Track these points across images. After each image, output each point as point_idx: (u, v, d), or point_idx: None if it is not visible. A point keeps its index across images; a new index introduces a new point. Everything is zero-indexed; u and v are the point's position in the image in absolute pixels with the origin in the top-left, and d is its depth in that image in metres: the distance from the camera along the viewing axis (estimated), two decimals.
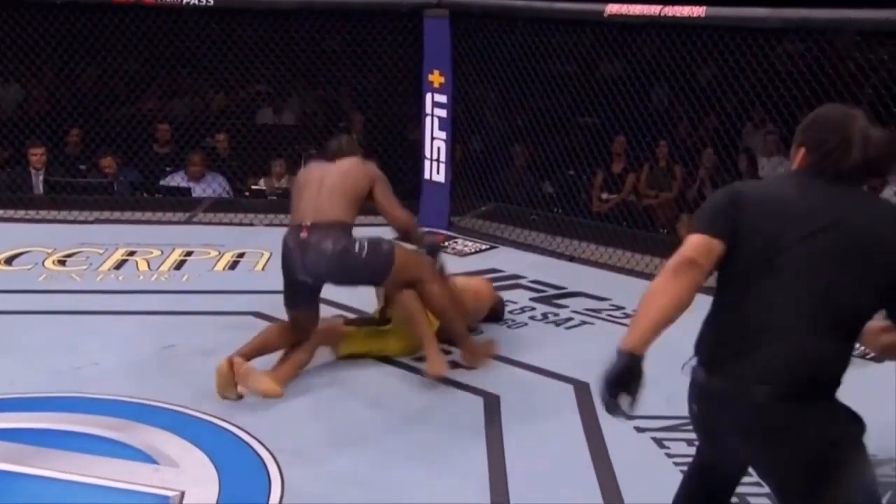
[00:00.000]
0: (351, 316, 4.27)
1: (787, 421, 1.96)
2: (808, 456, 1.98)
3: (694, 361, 2.08)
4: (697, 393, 2.05)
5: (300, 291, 3.75)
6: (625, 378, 1.94)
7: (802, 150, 2.06)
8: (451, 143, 6.17)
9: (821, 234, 1.94)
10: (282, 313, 4.18)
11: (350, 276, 3.71)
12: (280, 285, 4.44)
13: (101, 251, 5.53)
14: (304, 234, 3.64)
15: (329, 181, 3.74)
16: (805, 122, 2.10)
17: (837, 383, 2.00)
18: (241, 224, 6.37)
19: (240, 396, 3.55)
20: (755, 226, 1.98)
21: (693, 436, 3.25)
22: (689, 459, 3.07)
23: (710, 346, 2.04)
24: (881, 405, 3.60)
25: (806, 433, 1.97)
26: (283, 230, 6.36)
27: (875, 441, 3.24)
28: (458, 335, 3.90)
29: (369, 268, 3.67)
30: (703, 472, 2.21)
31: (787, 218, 1.98)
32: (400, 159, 6.66)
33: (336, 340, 3.97)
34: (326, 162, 3.88)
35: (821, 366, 1.96)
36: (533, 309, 4.70)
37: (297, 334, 3.81)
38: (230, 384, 3.54)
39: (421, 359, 4.00)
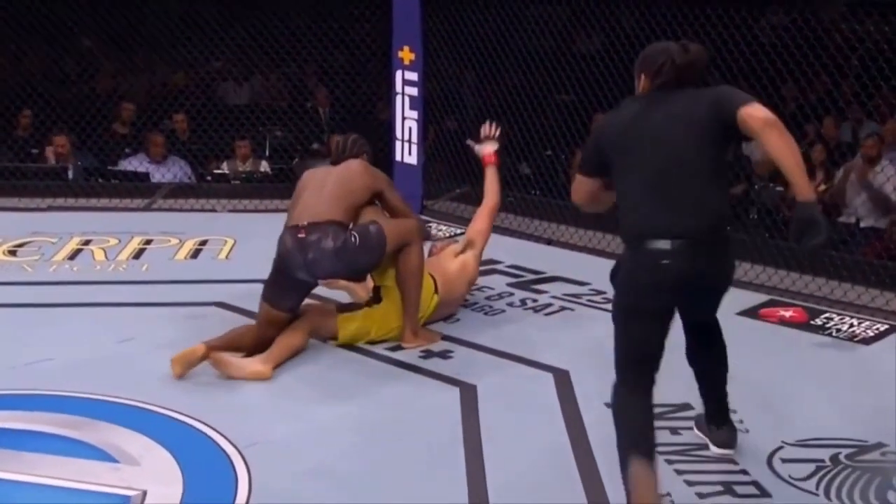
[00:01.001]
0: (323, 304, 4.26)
1: (726, 245, 2.79)
2: (731, 270, 2.87)
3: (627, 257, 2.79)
4: (653, 258, 2.69)
5: (293, 290, 3.87)
6: None
7: (643, 76, 2.87)
8: (424, 123, 6.16)
9: (660, 128, 2.73)
10: (247, 304, 4.17)
11: (353, 266, 3.87)
12: (246, 274, 4.44)
13: (54, 240, 5.48)
14: (301, 235, 3.79)
15: (329, 186, 3.93)
16: (639, 57, 2.91)
17: None
18: (202, 210, 6.33)
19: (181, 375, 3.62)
20: (616, 144, 2.78)
21: (677, 424, 3.31)
22: (674, 448, 3.15)
23: (642, 228, 2.72)
24: (869, 389, 3.66)
25: (732, 255, 2.84)
26: (248, 216, 6.34)
27: (863, 426, 3.31)
28: (410, 308, 3.99)
29: (366, 252, 3.84)
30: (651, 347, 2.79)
31: (635, 129, 2.76)
32: (369, 140, 6.62)
33: (330, 327, 4.00)
34: (331, 165, 4.10)
35: (723, 208, 2.75)
36: (511, 295, 4.71)
37: (266, 333, 3.85)
38: (189, 366, 3.62)
39: (397, 348, 4.00)
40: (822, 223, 2.60)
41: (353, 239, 3.81)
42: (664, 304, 2.76)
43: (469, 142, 4.72)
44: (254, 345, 3.82)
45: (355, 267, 3.89)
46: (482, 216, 4.58)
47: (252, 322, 4.00)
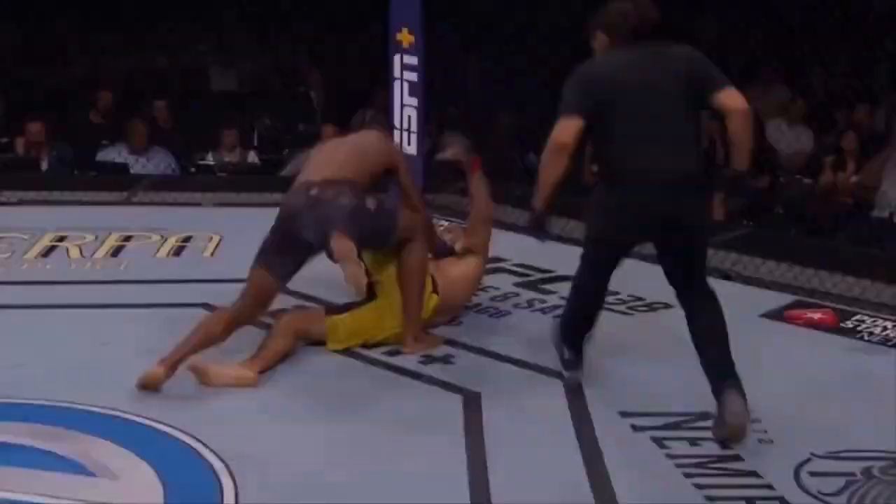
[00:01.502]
0: (307, 305, 4.27)
1: (702, 192, 3.37)
2: (705, 214, 3.52)
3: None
4: (638, 197, 3.24)
5: (294, 254, 3.81)
6: (540, 223, 3.47)
7: (599, 34, 3.39)
8: (424, 111, 6.16)
9: (645, 78, 3.25)
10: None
11: (363, 233, 3.80)
12: (233, 273, 4.42)
13: (25, 237, 5.48)
14: (314, 191, 3.77)
15: (344, 149, 3.97)
16: (595, 17, 3.40)
17: None
18: (186, 204, 6.33)
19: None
20: (606, 90, 3.26)
21: (696, 434, 3.31)
22: (693, 460, 3.15)
23: (629, 168, 3.25)
24: None
25: (706, 202, 3.50)
26: (235, 210, 6.32)
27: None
28: (411, 311, 3.98)
29: (380, 223, 3.85)
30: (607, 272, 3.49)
31: (622, 75, 3.27)
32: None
33: (319, 330, 3.99)
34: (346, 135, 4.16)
35: (701, 156, 3.36)
36: (517, 295, 4.71)
37: (250, 310, 3.82)
38: (155, 388, 3.57)
39: (396, 352, 4.01)
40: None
41: (368, 203, 3.80)
42: (637, 239, 3.41)
43: (438, 156, 4.66)
44: (228, 329, 3.75)
45: (366, 233, 3.81)
46: (478, 230, 4.44)
47: (216, 311, 3.94)
